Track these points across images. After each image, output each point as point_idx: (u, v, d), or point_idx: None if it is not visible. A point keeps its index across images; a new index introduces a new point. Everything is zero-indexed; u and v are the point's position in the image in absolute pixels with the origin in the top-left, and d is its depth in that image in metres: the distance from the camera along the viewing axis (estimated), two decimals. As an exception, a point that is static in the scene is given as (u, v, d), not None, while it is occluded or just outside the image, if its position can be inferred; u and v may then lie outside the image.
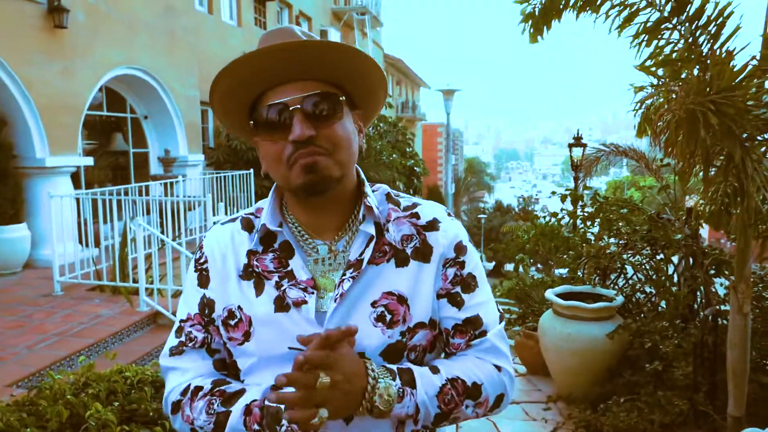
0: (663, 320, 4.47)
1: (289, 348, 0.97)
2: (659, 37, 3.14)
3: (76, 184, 9.32)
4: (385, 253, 1.14)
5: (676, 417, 3.79)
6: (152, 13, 10.63)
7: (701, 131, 2.68)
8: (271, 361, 1.09)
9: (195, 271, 1.21)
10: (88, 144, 10.48)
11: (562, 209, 5.96)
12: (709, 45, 2.99)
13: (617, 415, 3.94)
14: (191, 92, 11.77)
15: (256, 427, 1.03)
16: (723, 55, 2.85)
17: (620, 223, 5.25)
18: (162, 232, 6.92)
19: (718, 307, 4.14)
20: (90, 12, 9.05)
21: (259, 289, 1.13)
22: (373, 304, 1.10)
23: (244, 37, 15.09)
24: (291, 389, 0.93)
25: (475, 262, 1.20)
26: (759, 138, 2.94)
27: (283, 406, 0.98)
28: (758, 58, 2.81)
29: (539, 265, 16.50)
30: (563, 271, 6.51)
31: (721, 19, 2.94)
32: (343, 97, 1.11)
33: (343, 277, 1.10)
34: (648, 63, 3.16)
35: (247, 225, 1.20)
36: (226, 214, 9.18)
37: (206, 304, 1.17)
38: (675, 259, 4.94)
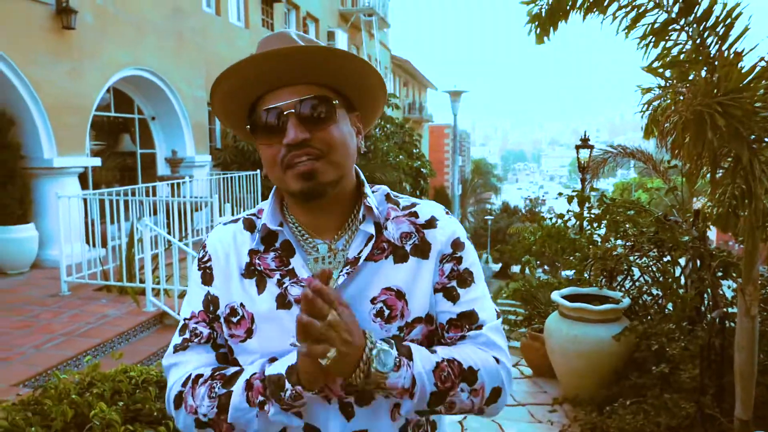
0: (670, 322, 4.44)
1: (291, 344, 0.98)
2: (667, 38, 3.12)
3: (84, 185, 9.36)
4: (383, 250, 1.16)
5: (683, 420, 3.77)
6: (160, 14, 10.67)
7: (708, 133, 2.66)
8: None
9: (198, 269, 1.23)
10: (95, 145, 10.53)
11: (568, 211, 5.95)
12: (717, 46, 2.97)
13: (623, 417, 3.92)
14: (198, 93, 11.81)
15: (260, 398, 1.04)
16: (731, 57, 2.83)
17: (627, 225, 5.23)
18: (169, 233, 6.94)
19: (725, 309, 4.12)
20: (98, 13, 9.10)
21: (261, 287, 1.15)
22: (373, 301, 1.12)
23: (252, 38, 15.12)
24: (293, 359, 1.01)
25: (473, 259, 1.22)
26: (767, 140, 2.92)
27: (284, 372, 1.01)
28: (767, 59, 2.79)
29: (546, 267, 16.46)
30: (570, 272, 6.49)
31: (729, 20, 2.92)
32: (337, 101, 1.13)
33: (340, 274, 1.12)
34: (655, 64, 3.14)
35: (249, 225, 1.22)
36: (232, 214, 9.18)
37: (210, 301, 1.19)
38: (682, 261, 4.92)
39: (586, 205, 5.80)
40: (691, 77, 3.00)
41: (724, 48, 2.93)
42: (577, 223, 6.03)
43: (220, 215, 8.45)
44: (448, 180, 42.58)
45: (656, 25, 3.12)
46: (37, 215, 8.15)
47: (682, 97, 2.86)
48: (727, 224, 3.11)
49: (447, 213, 1.25)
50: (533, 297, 6.86)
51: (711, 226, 3.99)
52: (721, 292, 4.42)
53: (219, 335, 1.18)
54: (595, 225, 5.58)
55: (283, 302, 1.12)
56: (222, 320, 1.17)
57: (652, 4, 3.11)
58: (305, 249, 1.18)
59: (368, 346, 1.01)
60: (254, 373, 1.07)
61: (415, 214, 1.21)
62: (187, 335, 1.19)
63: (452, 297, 1.17)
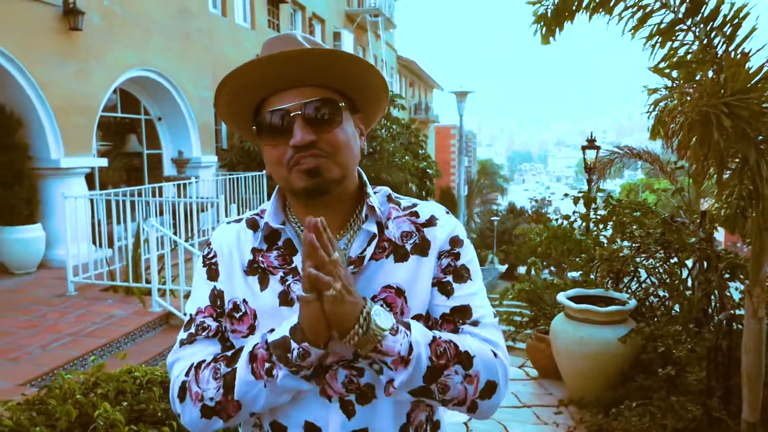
0: (676, 324, 4.42)
1: (297, 297, 0.99)
2: (673, 38, 3.11)
3: (91, 185, 9.40)
4: (384, 249, 1.17)
5: (690, 422, 3.75)
6: (166, 15, 10.71)
7: (714, 134, 2.65)
8: None
9: (204, 266, 1.23)
10: (102, 145, 10.58)
11: (574, 212, 5.93)
12: (724, 46, 2.95)
13: (629, 419, 3.90)
14: (205, 94, 11.84)
15: (266, 366, 1.04)
16: (738, 57, 2.82)
17: (633, 226, 5.21)
18: (175, 233, 6.95)
19: (732, 311, 4.10)
20: (105, 14, 9.14)
21: (263, 284, 1.16)
22: (373, 299, 1.12)
23: (258, 39, 15.13)
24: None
25: (471, 257, 1.22)
26: (774, 140, 2.90)
27: (288, 334, 1.02)
28: (774, 59, 2.77)
29: (552, 268, 16.42)
30: (576, 274, 6.47)
31: (736, 20, 2.90)
32: (343, 103, 1.14)
33: None
34: (662, 65, 3.13)
35: (252, 224, 1.23)
36: (238, 215, 9.20)
37: (217, 296, 1.19)
38: (689, 262, 4.89)
39: (593, 206, 5.78)
40: (698, 78, 2.99)
41: (731, 48, 2.91)
42: (583, 224, 6.01)
43: (226, 216, 8.46)
44: (454, 181, 42.57)
45: (663, 26, 3.11)
46: (44, 215, 8.19)
47: (689, 98, 2.85)
48: (734, 225, 3.09)
49: (447, 212, 1.26)
50: (539, 298, 6.83)
51: (718, 228, 3.97)
52: (728, 294, 4.40)
53: (226, 329, 1.19)
54: (601, 226, 5.56)
55: (285, 299, 1.13)
56: (225, 315, 1.18)
57: (658, 4, 3.09)
58: None
59: (369, 304, 1.03)
60: (256, 344, 1.07)
61: (416, 214, 1.22)
62: (193, 330, 1.18)
63: (447, 291, 1.17)
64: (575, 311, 4.65)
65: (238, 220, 1.26)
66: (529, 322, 6.77)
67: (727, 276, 4.42)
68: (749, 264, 3.38)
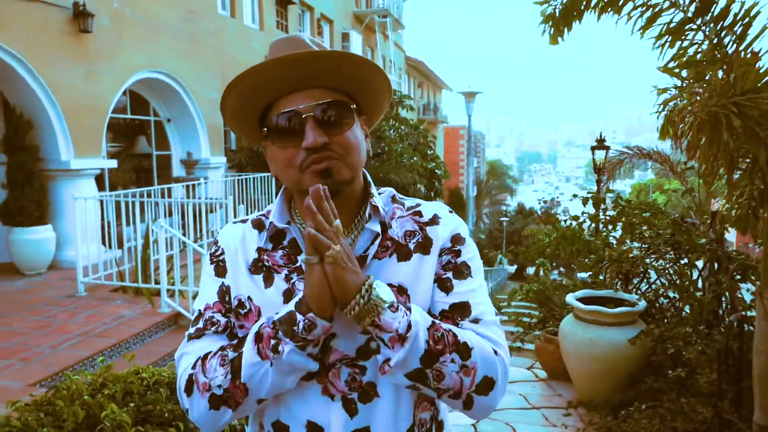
0: (687, 326, 4.39)
1: (301, 260, 0.99)
2: (683, 38, 3.09)
3: (100, 187, 9.45)
4: (387, 248, 1.17)
5: (700, 425, 3.72)
6: (175, 17, 10.75)
7: (723, 134, 2.62)
8: None
9: (211, 263, 1.24)
10: (112, 147, 10.63)
11: (583, 212, 5.90)
12: (734, 46, 2.93)
13: (639, 422, 3.87)
14: (213, 95, 11.88)
15: (272, 342, 1.04)
16: (748, 56, 2.79)
17: (643, 227, 5.17)
18: (184, 234, 6.97)
19: (743, 312, 4.06)
20: (114, 16, 9.18)
21: (268, 282, 1.17)
22: None
23: (266, 40, 15.17)
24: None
25: (472, 255, 1.22)
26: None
27: (294, 308, 1.03)
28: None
29: (561, 269, 16.36)
30: (585, 275, 6.44)
31: (747, 19, 2.87)
32: (354, 105, 1.16)
33: None
34: (671, 64, 3.10)
35: (258, 224, 1.24)
36: (246, 216, 9.22)
37: (225, 292, 1.20)
38: (699, 263, 4.85)
39: (602, 206, 5.75)
40: (707, 77, 2.96)
41: (741, 48, 2.89)
42: (593, 225, 5.98)
43: (235, 217, 8.46)
44: (463, 181, 42.50)
45: (672, 25, 3.09)
46: (54, 217, 8.24)
47: (698, 98, 2.82)
48: (746, 226, 3.07)
49: (450, 212, 1.26)
50: (548, 299, 6.80)
51: (730, 228, 3.93)
52: (739, 296, 4.36)
53: (235, 325, 1.19)
54: (610, 227, 5.53)
55: (290, 297, 1.12)
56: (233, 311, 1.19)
57: (668, 3, 3.07)
58: None
59: (372, 278, 1.04)
60: (262, 324, 1.07)
61: (419, 213, 1.23)
62: (201, 325, 1.19)
63: (446, 288, 1.17)
64: (584, 312, 4.62)
65: (244, 221, 1.27)
66: (537, 323, 6.74)
67: (738, 277, 4.38)
68: (761, 265, 3.35)
